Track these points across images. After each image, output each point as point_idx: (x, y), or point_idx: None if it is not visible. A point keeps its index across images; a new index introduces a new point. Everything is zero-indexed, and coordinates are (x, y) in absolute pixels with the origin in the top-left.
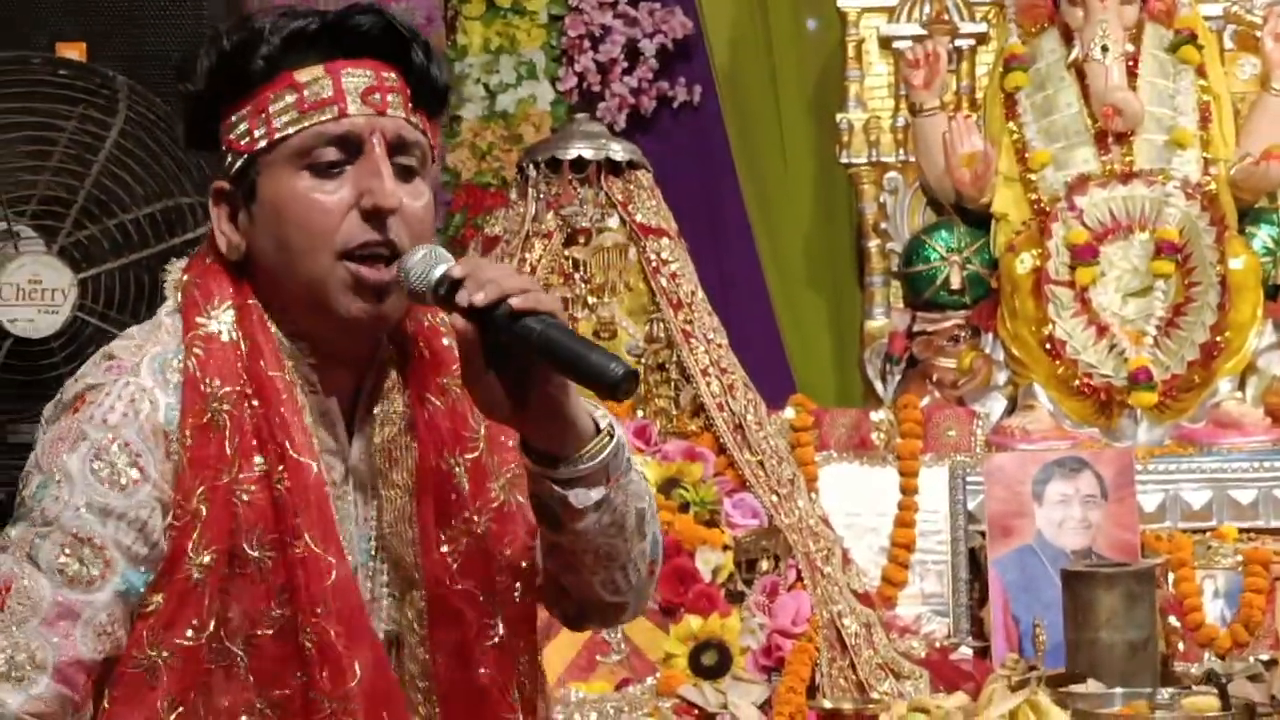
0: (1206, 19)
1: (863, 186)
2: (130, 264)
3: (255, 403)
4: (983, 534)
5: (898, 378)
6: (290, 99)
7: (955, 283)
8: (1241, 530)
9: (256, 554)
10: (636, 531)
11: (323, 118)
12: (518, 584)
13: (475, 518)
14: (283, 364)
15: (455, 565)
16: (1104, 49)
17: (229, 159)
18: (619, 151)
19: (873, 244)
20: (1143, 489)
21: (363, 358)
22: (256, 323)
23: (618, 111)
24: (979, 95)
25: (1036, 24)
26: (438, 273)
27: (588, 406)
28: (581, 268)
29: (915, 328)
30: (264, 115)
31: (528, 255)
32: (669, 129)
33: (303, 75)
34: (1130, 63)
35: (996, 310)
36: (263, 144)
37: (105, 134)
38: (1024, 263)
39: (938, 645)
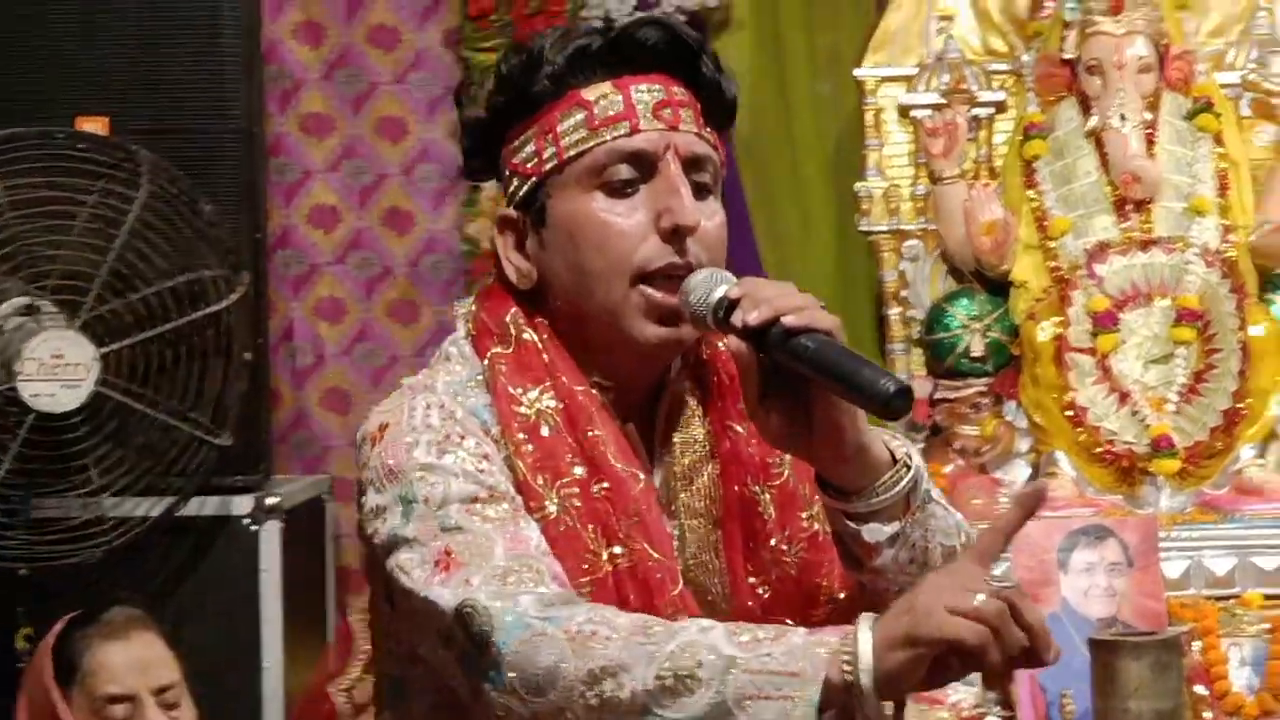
0: (1223, 87)
1: (883, 254)
2: (153, 338)
3: (564, 413)
4: None
5: (920, 446)
6: (579, 117)
7: (977, 350)
8: (1266, 597)
9: (604, 557)
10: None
11: (615, 134)
12: (834, 616)
13: (785, 547)
14: (586, 381)
15: (765, 596)
16: (1122, 117)
17: (514, 184)
18: None
19: (894, 312)
20: (1166, 556)
21: (657, 383)
22: (551, 344)
23: None
24: (998, 163)
25: (1054, 93)
26: (717, 294)
27: (884, 436)
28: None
29: (937, 395)
30: (551, 135)
31: None
32: None
33: (590, 92)
34: (1148, 131)
35: (1018, 378)
36: (551, 164)
37: (128, 208)
38: (1045, 330)
39: (965, 715)
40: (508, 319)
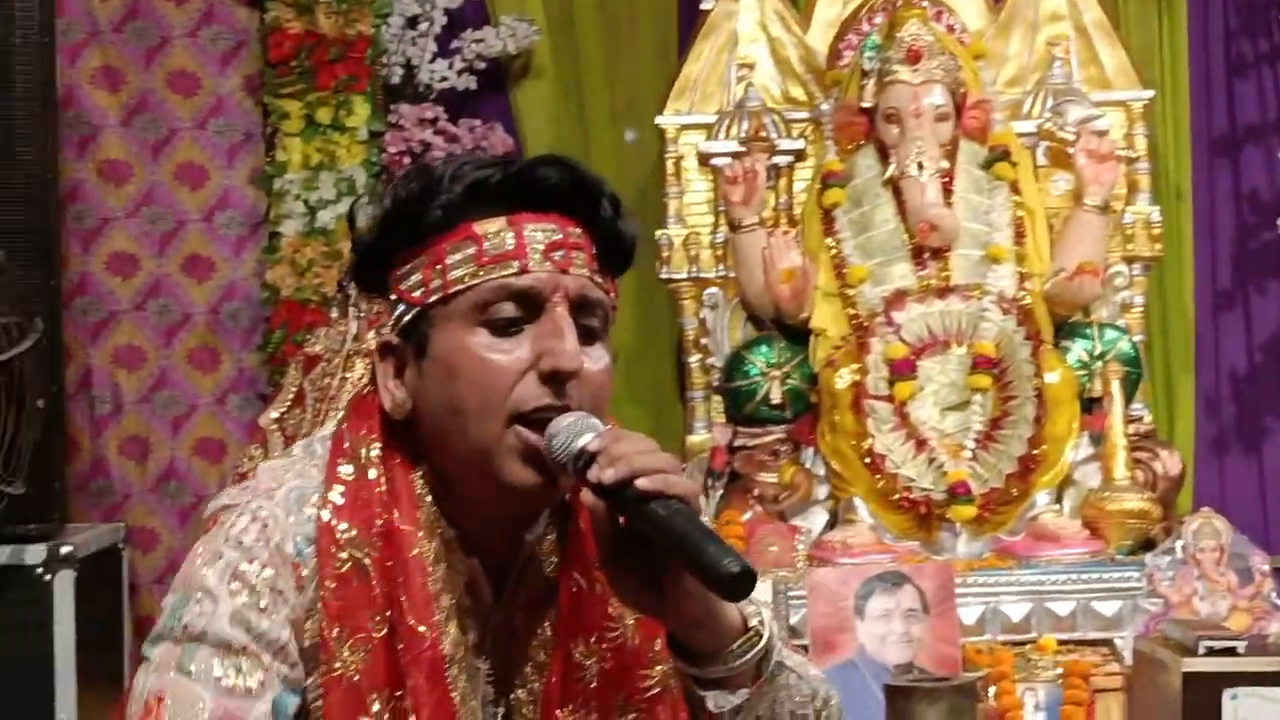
0: (1020, 135)
1: (683, 302)
2: None
3: (383, 553)
4: (805, 649)
5: (719, 493)
6: (470, 251)
7: (776, 398)
8: (1060, 642)
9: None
10: None
11: (503, 272)
12: None
13: (608, 710)
14: (417, 520)
15: None
16: (919, 166)
17: (399, 310)
18: None
19: (694, 359)
20: (963, 602)
21: (525, 523)
22: (400, 475)
23: None
24: (797, 211)
25: (853, 141)
26: (579, 444)
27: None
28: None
29: (736, 443)
30: (440, 267)
31: (348, 374)
32: None
33: (482, 227)
34: (945, 179)
35: (817, 425)
36: (437, 296)
37: None
38: (843, 378)
39: None
40: (361, 446)
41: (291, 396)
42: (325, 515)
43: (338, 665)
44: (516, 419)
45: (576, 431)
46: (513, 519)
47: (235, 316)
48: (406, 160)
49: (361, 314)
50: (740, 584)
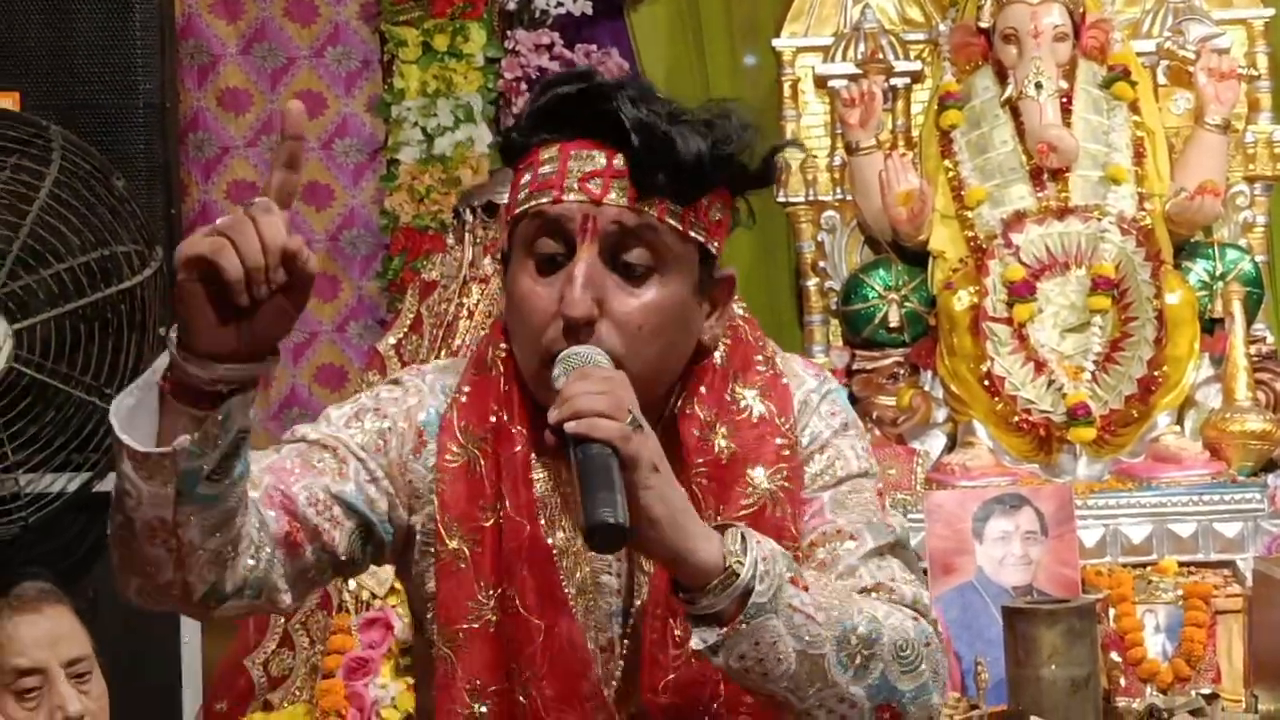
0: (1139, 55)
1: (800, 225)
2: (66, 313)
3: (494, 449)
4: (924, 571)
5: (829, 373)
6: (528, 175)
7: (893, 320)
8: (1181, 564)
9: (486, 602)
10: (813, 678)
11: (542, 200)
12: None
13: None
14: (526, 420)
15: (672, 678)
16: (1038, 86)
17: (508, 223)
18: None
19: (811, 283)
20: (1083, 524)
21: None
22: (516, 378)
23: None
24: (914, 133)
25: (971, 62)
26: (556, 381)
27: (738, 537)
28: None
29: (854, 366)
30: (514, 188)
31: (465, 300)
32: None
33: (544, 153)
34: (1064, 100)
35: (935, 348)
36: (510, 218)
37: (39, 184)
38: (961, 300)
39: None
40: (490, 350)
41: (409, 322)
42: (452, 411)
43: (445, 553)
44: (544, 359)
45: (567, 368)
46: None
47: (354, 244)
48: (523, 86)
49: (478, 240)
50: (598, 536)
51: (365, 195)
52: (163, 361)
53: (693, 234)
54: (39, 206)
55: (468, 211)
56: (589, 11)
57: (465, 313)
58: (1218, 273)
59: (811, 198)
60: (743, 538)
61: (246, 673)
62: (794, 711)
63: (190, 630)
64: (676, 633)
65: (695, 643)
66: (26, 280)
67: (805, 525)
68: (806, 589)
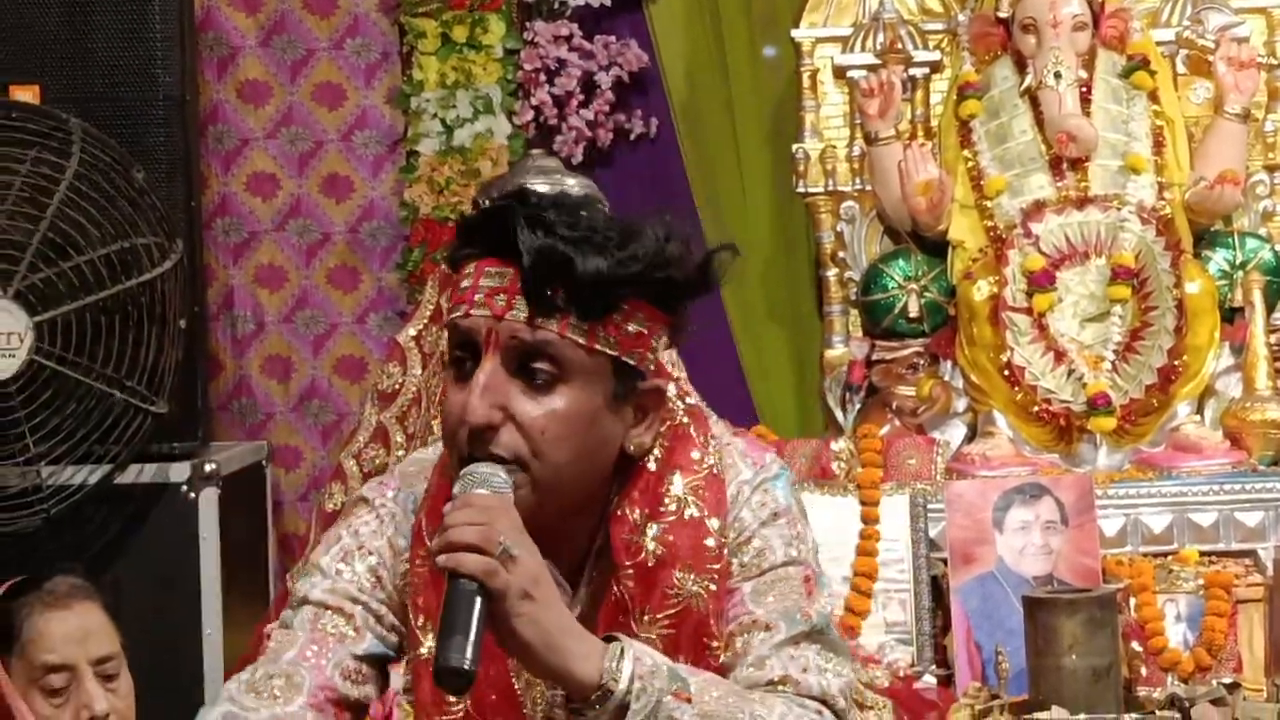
0: (1159, 44)
1: (820, 216)
2: (87, 306)
3: None
4: (944, 562)
5: (858, 407)
6: (450, 290)
7: (913, 311)
8: (1202, 553)
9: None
10: None
11: (456, 314)
12: None
13: None
14: None
15: None
16: (1057, 76)
17: None
18: (573, 186)
19: (831, 273)
20: (1103, 514)
21: (564, 534)
22: None
23: (575, 145)
24: (934, 123)
25: (990, 52)
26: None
27: (617, 654)
28: None
29: (874, 356)
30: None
31: None
32: (626, 161)
33: (465, 268)
34: (1083, 89)
35: (955, 337)
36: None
37: (60, 176)
38: (981, 290)
39: (901, 674)
40: (449, 458)
41: (429, 313)
42: (421, 515)
43: (424, 650)
44: (462, 462)
45: (464, 487)
46: (546, 531)
47: (374, 235)
48: (542, 78)
49: None
50: (443, 678)
51: (385, 187)
52: None
53: (599, 347)
54: (59, 199)
55: (487, 203)
56: (608, 3)
57: None
58: (1238, 262)
59: (831, 188)
60: (620, 653)
61: None
62: None
63: (212, 623)
64: None
65: None
66: (47, 273)
67: (727, 614)
68: (689, 700)
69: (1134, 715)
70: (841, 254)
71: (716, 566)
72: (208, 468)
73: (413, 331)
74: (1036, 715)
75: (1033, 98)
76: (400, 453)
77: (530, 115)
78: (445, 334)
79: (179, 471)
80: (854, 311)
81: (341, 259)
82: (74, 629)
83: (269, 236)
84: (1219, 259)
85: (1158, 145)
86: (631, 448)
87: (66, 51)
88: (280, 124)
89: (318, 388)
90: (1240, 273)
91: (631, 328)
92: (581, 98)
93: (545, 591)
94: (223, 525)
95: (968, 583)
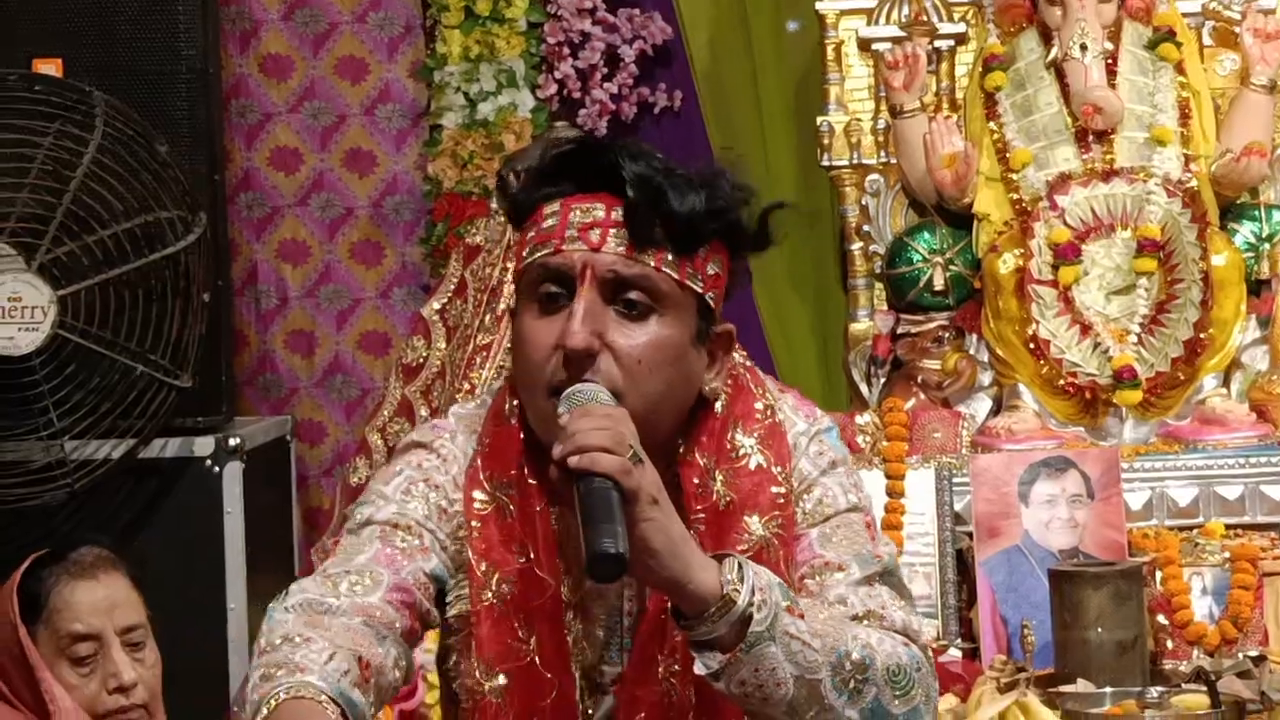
0: (1185, 16)
1: (845, 189)
2: (110, 280)
3: (518, 500)
4: (970, 535)
5: (882, 380)
6: (532, 231)
7: (938, 284)
8: (1228, 527)
9: (530, 646)
10: (809, 702)
11: (544, 251)
12: None
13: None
14: (539, 473)
15: (644, 714)
16: (1083, 48)
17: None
18: None
19: (855, 247)
20: (1129, 487)
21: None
22: (530, 431)
23: (599, 118)
24: (959, 96)
25: (1015, 24)
26: (559, 418)
27: (735, 566)
28: None
29: (899, 330)
30: (519, 245)
31: (509, 264)
32: (650, 135)
33: (548, 208)
34: (1109, 61)
35: (980, 311)
36: (515, 275)
37: (83, 150)
38: (1006, 263)
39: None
40: (506, 403)
41: (453, 287)
42: (476, 461)
43: (488, 595)
44: (552, 392)
45: (569, 404)
46: None
47: (398, 210)
48: (565, 50)
49: None
50: (599, 565)
51: (408, 161)
52: None
53: (689, 284)
54: (82, 172)
55: (511, 176)
56: None
57: (510, 277)
58: (1264, 234)
59: (855, 161)
60: (740, 566)
61: None
62: None
63: (236, 596)
64: (659, 670)
65: (698, 668)
66: (70, 246)
67: (796, 560)
68: (802, 617)
69: (1159, 688)
70: (866, 227)
71: (783, 515)
72: (232, 442)
73: (436, 305)
74: (1062, 688)
75: (1058, 70)
76: None
77: (554, 89)
78: (504, 284)
79: (203, 446)
80: (879, 285)
81: (365, 234)
82: (101, 599)
83: (292, 211)
84: (1245, 231)
85: (1184, 117)
86: (707, 390)
87: (89, 25)
88: (303, 98)
89: (341, 363)
90: (1267, 245)
91: (711, 269)
92: (605, 71)
93: (667, 501)
94: (247, 499)
95: (993, 556)
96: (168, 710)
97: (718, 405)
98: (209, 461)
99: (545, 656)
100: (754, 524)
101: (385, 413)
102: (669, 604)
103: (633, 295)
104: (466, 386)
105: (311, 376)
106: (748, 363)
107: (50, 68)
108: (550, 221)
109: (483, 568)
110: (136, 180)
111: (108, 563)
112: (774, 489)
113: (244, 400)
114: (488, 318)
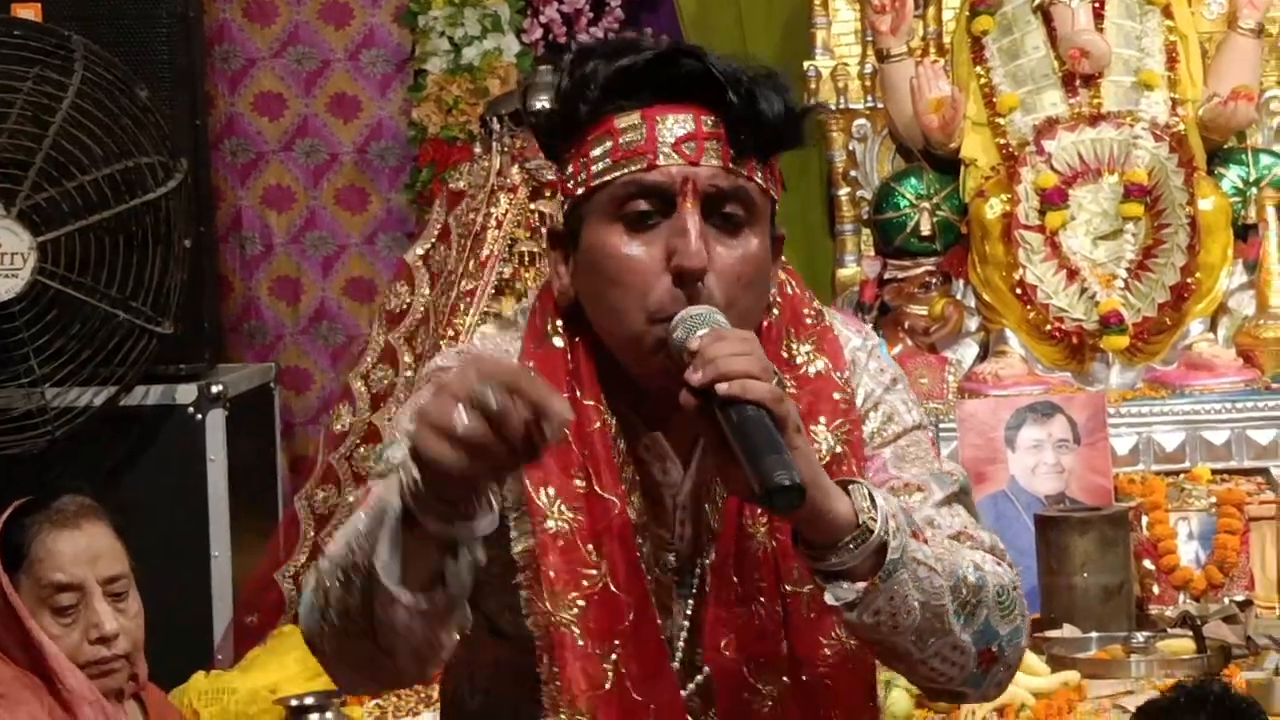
0: None
1: (831, 134)
2: (91, 226)
3: (573, 429)
4: None
5: (870, 326)
6: (607, 145)
7: (925, 229)
8: (1214, 471)
9: (601, 571)
10: (934, 628)
11: (634, 167)
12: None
13: (781, 582)
14: (598, 395)
15: (734, 635)
16: None
17: (564, 202)
18: None
19: (843, 192)
20: (1115, 432)
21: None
22: (581, 353)
23: None
24: (946, 40)
25: None
26: (687, 342)
27: (865, 494)
28: (548, 221)
29: (886, 275)
30: (585, 161)
31: (493, 209)
32: None
33: (622, 121)
34: (1096, 5)
35: (967, 256)
36: (581, 190)
37: (62, 95)
38: (993, 208)
39: None
40: (547, 323)
41: (437, 232)
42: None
43: (551, 524)
44: (654, 317)
45: (690, 328)
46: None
47: (383, 156)
48: None
49: (505, 149)
50: (783, 497)
51: (393, 107)
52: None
53: (771, 191)
54: (61, 118)
55: (495, 121)
56: None
57: (494, 222)
58: (1251, 178)
59: (842, 106)
60: (870, 494)
61: (277, 587)
62: (908, 662)
63: (220, 545)
64: (739, 590)
65: (830, 599)
66: (50, 193)
67: (873, 481)
68: (926, 541)
69: (1145, 633)
70: (853, 172)
71: (849, 420)
72: (214, 389)
73: (420, 250)
74: (1048, 633)
75: (1045, 13)
76: (409, 373)
77: (539, 33)
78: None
79: (186, 393)
80: (866, 230)
81: (350, 179)
82: (83, 549)
83: (276, 157)
84: (1232, 176)
85: (1171, 61)
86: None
87: None
88: (287, 43)
89: (327, 309)
90: (1254, 189)
91: (777, 171)
92: (591, 15)
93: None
94: (230, 447)
95: (980, 501)
96: (150, 659)
97: (774, 312)
98: (191, 409)
99: (619, 579)
100: (821, 432)
101: (369, 359)
102: (761, 529)
103: (729, 209)
104: (450, 333)
105: (297, 323)
106: (789, 267)
107: (29, 12)
108: (632, 136)
109: (542, 497)
110: (116, 126)
111: (90, 512)
112: (836, 395)
113: (230, 347)
114: (471, 263)
